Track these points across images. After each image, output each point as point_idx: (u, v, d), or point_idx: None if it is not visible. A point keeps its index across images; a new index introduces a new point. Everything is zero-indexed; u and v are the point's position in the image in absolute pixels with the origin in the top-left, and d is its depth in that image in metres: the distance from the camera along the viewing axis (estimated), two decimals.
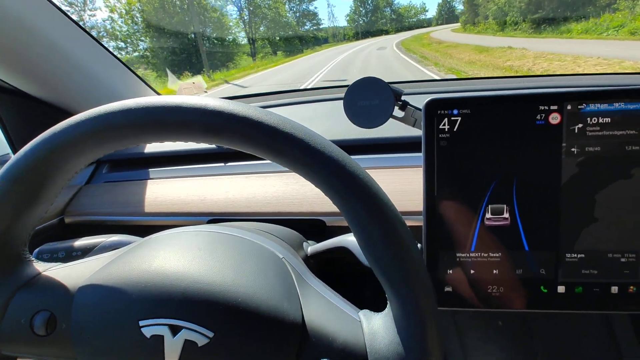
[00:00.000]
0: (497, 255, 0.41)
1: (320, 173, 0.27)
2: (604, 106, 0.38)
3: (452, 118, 0.40)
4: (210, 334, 0.28)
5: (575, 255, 0.40)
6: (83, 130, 0.28)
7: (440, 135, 0.40)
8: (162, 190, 0.66)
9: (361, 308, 0.33)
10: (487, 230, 0.41)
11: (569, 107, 0.38)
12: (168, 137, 0.28)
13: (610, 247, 0.40)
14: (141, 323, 0.29)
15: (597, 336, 0.58)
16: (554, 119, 0.39)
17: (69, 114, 0.74)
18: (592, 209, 0.39)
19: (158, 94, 0.96)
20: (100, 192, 0.70)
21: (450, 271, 0.42)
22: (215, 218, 0.60)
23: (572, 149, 0.39)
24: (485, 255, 0.41)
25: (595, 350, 0.58)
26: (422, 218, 0.41)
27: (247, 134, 0.27)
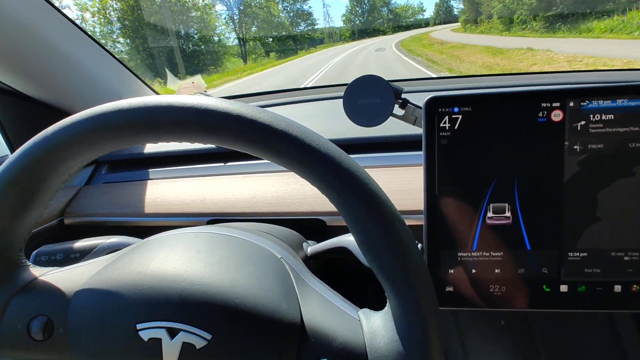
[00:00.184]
0: (499, 254, 0.41)
1: (317, 171, 0.26)
2: (606, 103, 0.38)
3: (453, 116, 0.39)
4: (208, 336, 0.28)
5: (578, 254, 0.40)
6: (76, 131, 0.27)
7: (441, 134, 0.40)
8: (162, 191, 0.66)
9: (362, 308, 0.32)
10: (488, 229, 0.40)
11: (571, 104, 0.38)
12: (162, 138, 0.27)
13: (613, 246, 0.39)
14: (138, 326, 0.28)
15: (600, 336, 0.58)
16: (556, 116, 0.38)
17: (67, 114, 0.73)
18: (595, 207, 0.39)
19: (157, 93, 0.96)
20: (100, 192, 0.70)
21: (452, 270, 0.41)
22: (215, 218, 0.60)
23: (575, 147, 0.38)
24: (487, 254, 0.41)
25: (598, 350, 0.58)
26: (423, 217, 0.41)
27: (241, 133, 0.26)
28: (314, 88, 0.98)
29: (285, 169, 0.28)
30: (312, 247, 0.49)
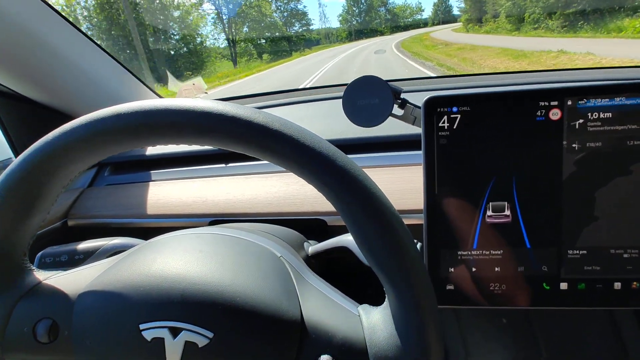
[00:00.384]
0: (499, 252, 0.41)
1: (312, 170, 0.27)
2: (604, 101, 0.38)
3: (452, 115, 0.40)
4: (210, 335, 0.28)
5: (578, 252, 0.40)
6: (76, 137, 0.28)
7: (440, 133, 0.40)
8: (164, 192, 0.67)
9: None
10: (488, 227, 0.40)
11: (569, 103, 0.38)
12: (160, 141, 0.28)
13: (612, 243, 0.39)
14: (141, 326, 0.29)
15: (601, 333, 0.58)
16: (555, 114, 0.39)
17: (69, 117, 0.74)
18: (594, 205, 0.39)
19: (159, 96, 0.96)
20: (103, 194, 0.71)
21: (452, 269, 0.42)
22: (217, 219, 0.60)
23: (573, 145, 0.39)
24: (487, 252, 0.41)
25: (598, 347, 0.58)
26: (423, 216, 0.41)
27: (237, 134, 0.27)
28: (313, 89, 0.98)
29: (284, 169, 0.28)
30: (313, 247, 0.50)
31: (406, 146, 0.64)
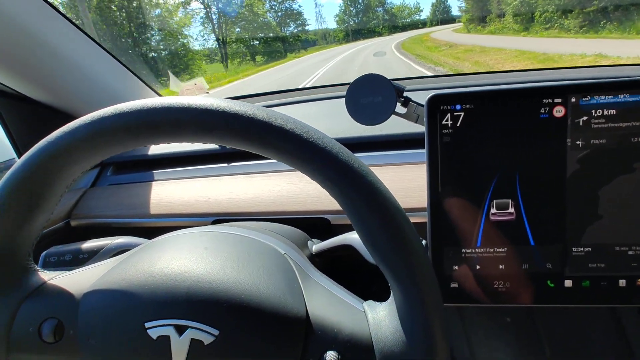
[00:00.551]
0: (503, 250, 0.41)
1: (315, 166, 0.27)
2: (608, 98, 0.38)
3: (455, 113, 0.40)
4: (216, 332, 0.28)
5: (582, 249, 0.40)
6: (78, 137, 0.28)
7: (443, 131, 0.40)
8: (167, 192, 0.67)
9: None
10: (492, 225, 0.40)
11: (573, 100, 0.38)
12: (162, 139, 0.28)
13: (617, 240, 0.39)
14: (147, 325, 0.29)
15: (605, 331, 0.58)
16: (558, 112, 0.38)
17: (72, 117, 0.74)
18: (598, 202, 0.39)
19: (159, 95, 0.96)
20: (106, 194, 0.71)
21: (456, 267, 0.42)
22: (220, 218, 0.60)
23: (577, 142, 0.38)
24: (491, 250, 0.41)
25: (602, 345, 0.58)
26: (426, 214, 0.41)
27: (239, 131, 0.27)
28: (315, 88, 0.98)
29: (288, 168, 0.28)
30: (316, 245, 0.50)
31: (409, 145, 0.64)
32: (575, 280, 0.40)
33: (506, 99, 0.39)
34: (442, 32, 34.05)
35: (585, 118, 0.38)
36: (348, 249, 0.46)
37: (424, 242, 0.42)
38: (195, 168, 0.72)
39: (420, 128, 0.43)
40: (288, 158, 0.27)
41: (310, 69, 16.36)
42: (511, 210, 0.40)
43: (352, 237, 0.46)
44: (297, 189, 0.60)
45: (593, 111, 0.38)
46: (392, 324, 0.28)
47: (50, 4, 0.64)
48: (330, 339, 0.29)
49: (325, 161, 0.26)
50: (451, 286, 0.42)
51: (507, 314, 0.60)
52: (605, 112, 0.38)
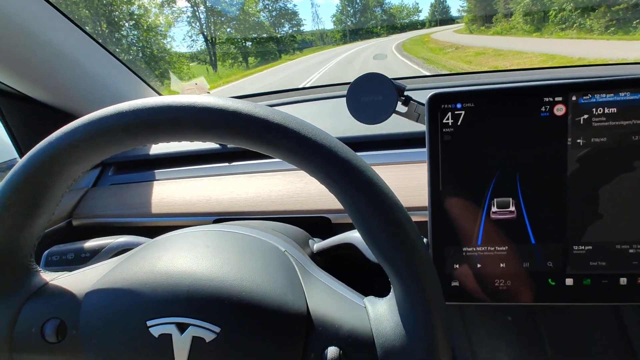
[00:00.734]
0: (504, 248, 0.41)
1: (315, 162, 0.27)
2: (609, 96, 0.38)
3: (456, 112, 0.40)
4: (217, 329, 0.28)
5: (583, 247, 0.40)
6: (78, 137, 0.28)
7: (444, 130, 0.40)
8: (168, 191, 0.67)
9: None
10: (493, 224, 0.40)
11: (573, 98, 0.38)
12: (162, 138, 0.28)
13: (618, 238, 0.39)
14: (148, 323, 0.29)
15: (606, 329, 0.58)
16: (559, 110, 0.38)
17: (73, 117, 0.74)
18: (599, 201, 0.39)
19: (160, 94, 0.96)
20: (107, 194, 0.71)
21: (457, 266, 0.42)
22: (221, 218, 0.60)
23: (578, 140, 0.38)
24: (492, 249, 0.41)
25: (603, 343, 0.58)
26: (427, 213, 0.41)
27: (239, 128, 0.27)
28: (316, 87, 0.98)
29: (289, 167, 0.28)
30: (318, 244, 0.50)
31: (410, 144, 0.64)
32: (576, 279, 0.40)
33: (507, 97, 0.39)
34: (443, 33, 33.15)
35: (586, 116, 0.38)
36: (349, 247, 0.46)
37: (425, 240, 0.42)
38: (197, 168, 0.72)
39: (421, 127, 0.43)
40: (288, 155, 0.27)
41: (304, 73, 15.31)
42: (512, 208, 0.40)
43: (354, 236, 0.46)
44: (298, 188, 0.60)
45: (594, 109, 0.38)
46: (393, 318, 0.28)
47: (51, 3, 0.64)
48: (331, 335, 0.29)
49: (325, 158, 0.27)
50: (452, 285, 0.42)
51: (508, 313, 0.60)
52: (606, 110, 0.38)
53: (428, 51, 17.84)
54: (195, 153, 0.74)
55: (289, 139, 0.27)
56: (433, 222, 0.41)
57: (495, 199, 0.40)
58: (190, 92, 1.08)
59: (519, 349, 0.61)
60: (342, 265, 0.50)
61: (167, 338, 0.28)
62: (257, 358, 0.29)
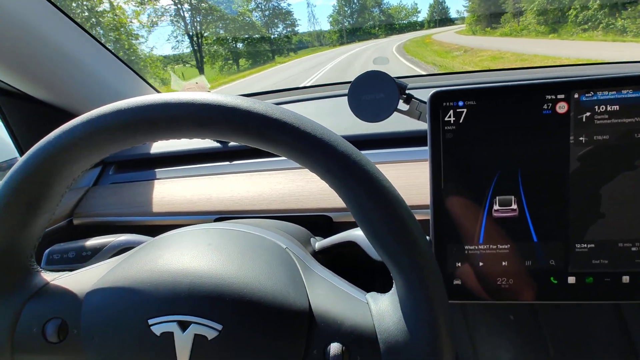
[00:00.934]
0: (506, 247, 0.41)
1: (314, 157, 0.27)
2: (612, 94, 0.38)
3: (458, 110, 0.40)
4: (219, 327, 0.28)
5: (585, 246, 0.40)
6: (77, 135, 0.28)
7: (445, 128, 0.40)
8: (169, 190, 0.67)
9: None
10: (495, 222, 0.40)
11: (576, 96, 0.38)
12: (161, 135, 0.28)
13: (620, 237, 0.39)
14: (150, 321, 0.29)
15: (608, 328, 0.58)
16: (561, 108, 0.38)
17: (73, 116, 0.74)
18: (601, 199, 0.39)
19: (159, 92, 0.96)
20: (108, 193, 0.71)
21: (459, 264, 0.41)
22: (222, 216, 0.60)
23: (580, 138, 0.38)
24: (494, 247, 0.41)
25: (605, 341, 0.58)
26: (429, 212, 0.41)
27: (237, 124, 0.27)
28: (317, 86, 0.98)
29: (290, 166, 0.28)
30: (319, 242, 0.50)
31: (412, 142, 0.64)
32: (579, 277, 0.40)
33: (509, 95, 0.39)
34: (445, 34, 30.89)
35: (588, 114, 0.38)
36: (351, 245, 0.46)
37: (427, 238, 0.42)
38: (197, 166, 0.72)
39: (422, 125, 0.43)
40: (288, 151, 0.27)
41: (297, 80, 13.65)
42: (514, 206, 0.40)
43: (355, 234, 0.46)
44: (299, 187, 0.60)
45: (596, 107, 0.38)
46: (395, 314, 0.28)
47: (51, 2, 0.64)
48: (333, 331, 0.29)
49: (325, 152, 0.26)
50: (454, 283, 0.42)
51: (510, 311, 0.60)
52: (609, 108, 0.38)
53: (433, 54, 16.29)
54: (196, 152, 0.74)
55: (288, 135, 0.26)
56: (435, 221, 0.41)
57: (497, 197, 0.40)
58: (191, 90, 1.08)
59: (521, 347, 0.60)
60: (343, 263, 0.50)
61: (169, 336, 0.28)
62: (259, 355, 0.29)
